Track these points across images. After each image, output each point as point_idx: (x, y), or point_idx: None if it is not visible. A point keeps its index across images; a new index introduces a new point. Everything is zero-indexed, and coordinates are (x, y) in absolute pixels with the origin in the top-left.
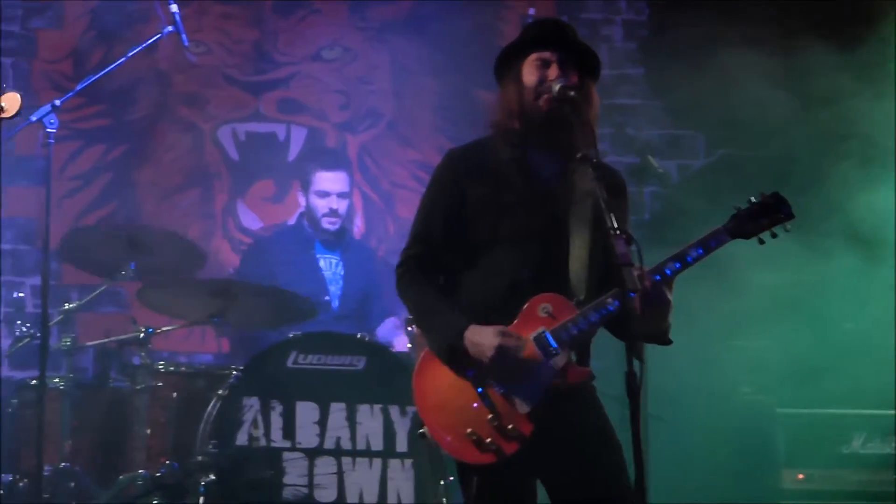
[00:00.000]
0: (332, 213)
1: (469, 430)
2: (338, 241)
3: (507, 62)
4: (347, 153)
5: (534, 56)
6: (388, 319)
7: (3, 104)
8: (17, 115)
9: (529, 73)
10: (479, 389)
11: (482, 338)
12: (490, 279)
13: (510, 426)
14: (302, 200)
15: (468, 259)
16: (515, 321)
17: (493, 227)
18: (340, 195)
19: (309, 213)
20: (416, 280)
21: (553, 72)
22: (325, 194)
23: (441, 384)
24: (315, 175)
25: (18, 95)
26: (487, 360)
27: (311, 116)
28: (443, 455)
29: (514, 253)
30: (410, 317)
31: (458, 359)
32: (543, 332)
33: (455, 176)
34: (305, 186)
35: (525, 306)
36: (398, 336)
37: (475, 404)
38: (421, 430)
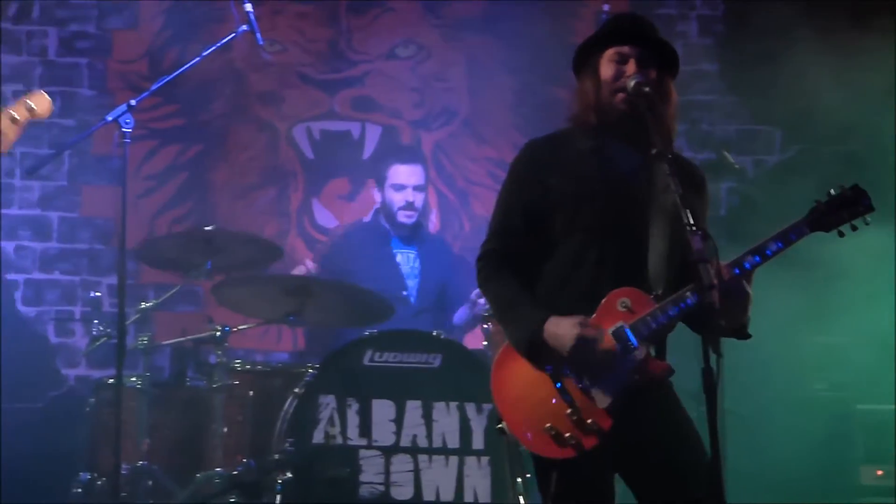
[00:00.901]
0: (409, 205)
1: (548, 425)
2: (414, 235)
3: (586, 56)
4: (422, 150)
5: (612, 51)
6: (463, 307)
7: (32, 104)
8: (48, 115)
9: (607, 68)
10: (558, 384)
11: (562, 328)
12: (569, 272)
13: (589, 420)
14: (377, 196)
15: (547, 252)
16: (594, 315)
17: (571, 220)
18: (416, 188)
19: (385, 208)
20: (496, 274)
21: (630, 67)
22: (401, 187)
23: (520, 379)
24: (390, 169)
25: (47, 95)
26: (567, 351)
27: (386, 114)
28: (520, 452)
29: (593, 246)
30: (486, 313)
31: (536, 352)
32: (622, 326)
33: (534, 168)
34: (381, 181)
35: (604, 300)
36: (470, 315)
37: (554, 399)
38: (499, 426)
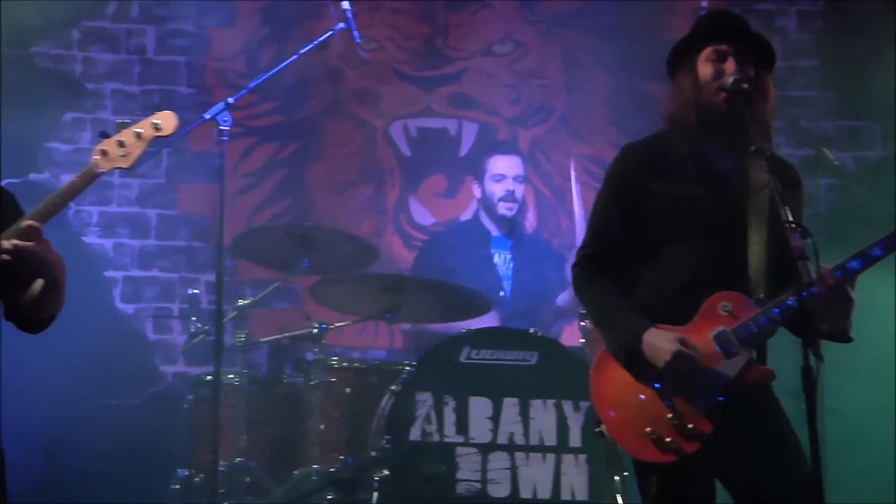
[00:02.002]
0: (510, 196)
1: (648, 429)
2: (511, 233)
3: (681, 56)
4: (519, 147)
5: (709, 49)
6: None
7: (159, 122)
8: (172, 134)
9: (705, 66)
10: (658, 387)
11: (660, 342)
12: (668, 277)
13: (690, 425)
14: (477, 190)
15: (645, 256)
16: (695, 319)
17: (671, 223)
18: (516, 178)
19: (485, 201)
20: (593, 279)
21: (729, 65)
22: (501, 178)
23: (619, 382)
24: (490, 160)
25: (174, 115)
26: (663, 365)
27: (483, 111)
28: (618, 450)
29: (693, 250)
30: (582, 311)
31: (634, 360)
32: (724, 330)
33: (631, 171)
34: (480, 174)
35: (704, 304)
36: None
37: (654, 403)
38: (598, 428)
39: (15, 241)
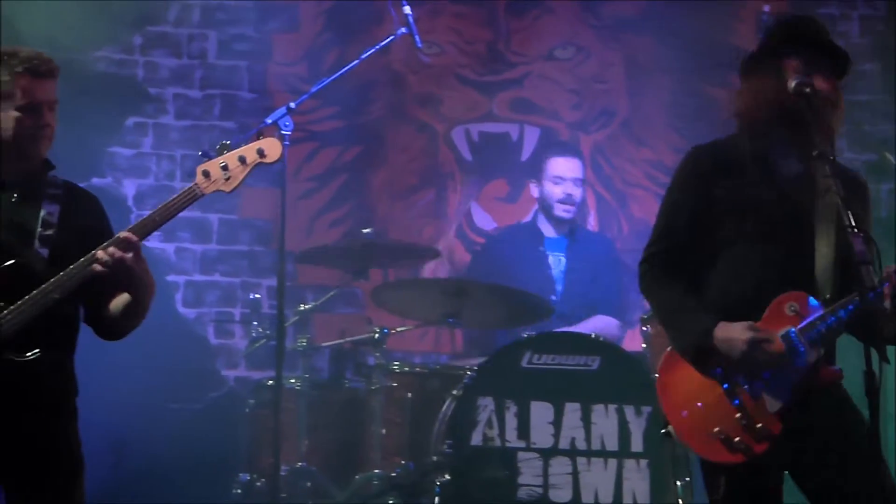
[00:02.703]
0: (568, 198)
1: (717, 429)
2: (567, 234)
3: (756, 60)
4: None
5: (789, 55)
6: (596, 317)
7: (264, 149)
8: (276, 161)
9: (777, 72)
10: (726, 387)
11: (733, 332)
12: (735, 277)
13: (759, 425)
14: (535, 191)
15: (712, 257)
16: (762, 319)
17: (738, 225)
18: (575, 181)
19: (543, 202)
20: (661, 278)
21: (801, 70)
22: (560, 180)
23: (687, 382)
24: (549, 161)
25: (279, 141)
26: (738, 354)
27: (544, 116)
28: (680, 455)
29: (760, 251)
30: (646, 315)
31: (704, 358)
32: (792, 330)
33: (699, 173)
34: (539, 175)
35: (772, 304)
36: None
37: (722, 403)
38: (665, 429)
39: (112, 250)
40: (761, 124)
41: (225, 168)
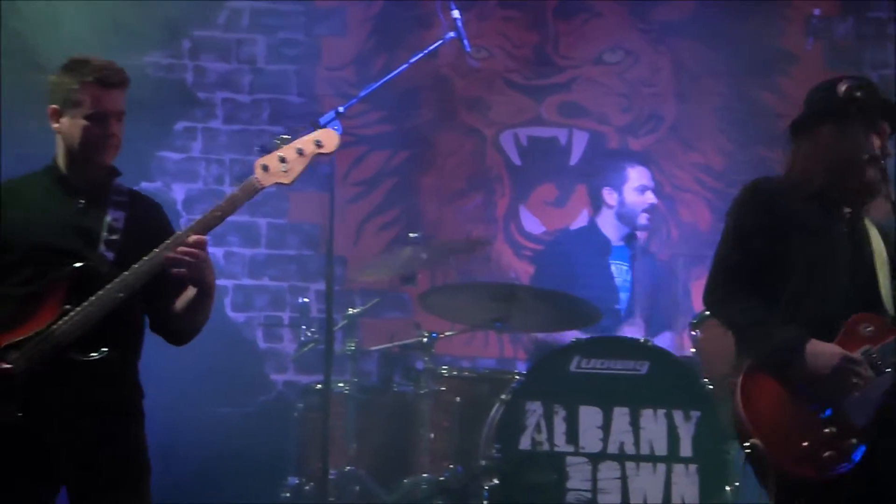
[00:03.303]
0: (651, 207)
1: (804, 444)
2: (629, 244)
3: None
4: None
5: (854, 118)
6: (664, 334)
7: (321, 140)
8: (334, 152)
9: (847, 134)
10: (814, 406)
11: (825, 348)
12: (805, 297)
13: (845, 442)
14: (611, 198)
15: (781, 277)
16: (838, 338)
17: (805, 248)
18: (652, 190)
19: (623, 210)
20: (737, 292)
21: (876, 142)
22: (644, 189)
23: (772, 397)
24: (630, 170)
25: (336, 133)
26: (828, 372)
27: (593, 120)
28: (728, 460)
29: (828, 273)
30: (695, 320)
31: (790, 372)
32: (871, 349)
33: (766, 199)
34: (617, 183)
35: (846, 324)
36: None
37: (810, 419)
38: (749, 442)
39: (184, 248)
40: (822, 181)
41: (283, 160)
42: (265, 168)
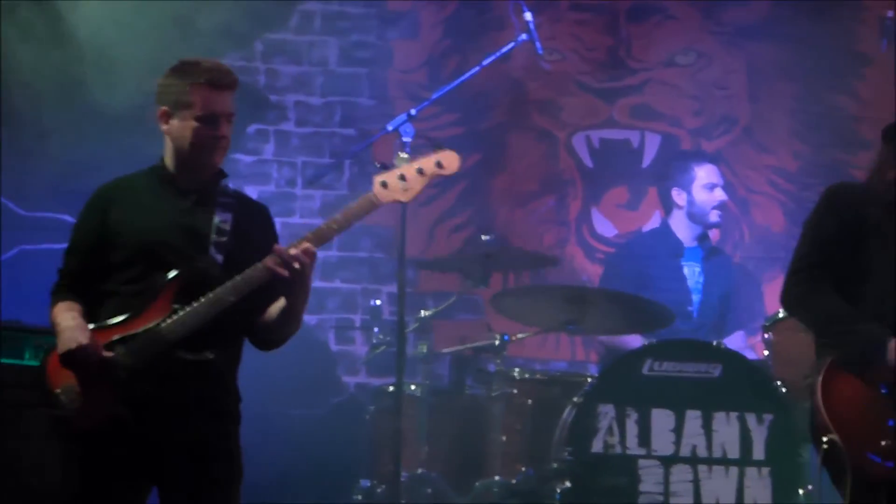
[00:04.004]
0: (721, 204)
1: (883, 443)
2: (702, 245)
3: None
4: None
5: None
6: (738, 333)
7: (442, 161)
8: (454, 173)
9: None
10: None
11: None
12: (881, 298)
13: None
14: (680, 199)
15: (859, 278)
16: None
17: (881, 250)
18: (722, 187)
19: (693, 209)
20: (819, 288)
21: None
22: (713, 186)
23: (852, 394)
24: (699, 168)
25: (457, 155)
26: None
27: (666, 122)
28: (801, 463)
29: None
30: (767, 322)
31: (872, 369)
32: None
33: (843, 206)
34: (685, 183)
35: None
36: (745, 352)
37: (889, 416)
38: (827, 438)
39: (296, 256)
40: None
41: (403, 178)
42: (384, 185)
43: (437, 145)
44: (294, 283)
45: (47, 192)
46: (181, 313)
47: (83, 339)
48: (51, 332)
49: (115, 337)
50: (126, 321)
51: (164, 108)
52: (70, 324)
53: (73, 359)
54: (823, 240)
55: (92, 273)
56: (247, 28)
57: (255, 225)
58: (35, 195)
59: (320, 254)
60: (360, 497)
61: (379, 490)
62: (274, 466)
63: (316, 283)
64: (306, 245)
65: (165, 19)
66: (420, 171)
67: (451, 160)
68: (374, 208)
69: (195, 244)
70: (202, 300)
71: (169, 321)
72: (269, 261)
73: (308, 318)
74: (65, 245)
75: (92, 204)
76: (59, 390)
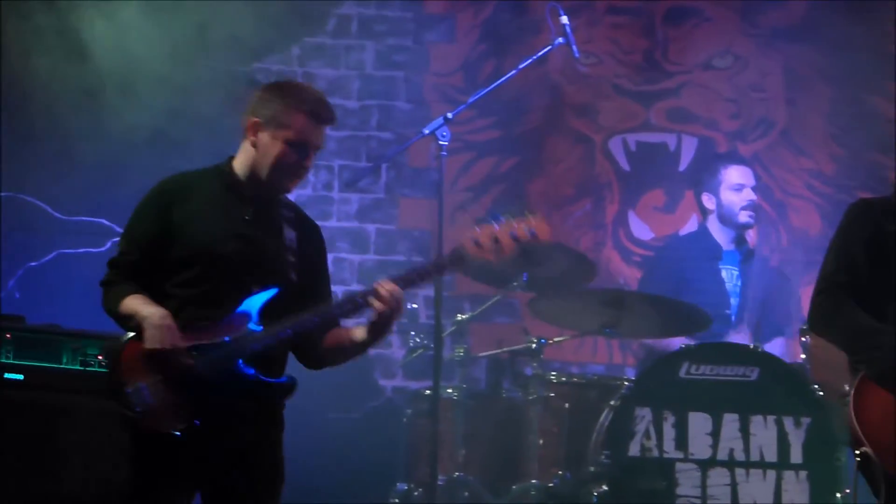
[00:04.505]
0: (750, 204)
1: None
2: (740, 248)
3: None
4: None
5: None
6: (776, 340)
7: (536, 232)
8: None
9: None
10: None
11: None
12: None
13: None
14: (710, 201)
15: (886, 294)
16: None
17: None
18: (753, 189)
19: (722, 211)
20: (846, 305)
21: None
22: (740, 187)
23: (885, 409)
24: (725, 171)
25: (549, 227)
26: None
27: (702, 125)
28: (839, 466)
29: None
30: (804, 326)
31: None
32: None
33: (872, 216)
34: (714, 186)
35: None
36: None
37: None
38: (860, 451)
39: (392, 294)
40: None
41: (497, 241)
42: (477, 244)
43: (523, 207)
44: (383, 323)
45: (84, 196)
46: (262, 331)
47: (177, 339)
48: (88, 335)
49: (195, 343)
50: (205, 329)
51: (257, 119)
52: (163, 320)
53: (162, 357)
54: (848, 258)
55: (151, 267)
56: (284, 32)
57: (313, 244)
58: (72, 199)
59: (357, 258)
60: (396, 500)
61: (416, 493)
62: (311, 470)
63: (353, 286)
64: (395, 287)
65: (201, 24)
66: (514, 238)
67: (543, 231)
68: (464, 266)
69: (268, 262)
70: (289, 324)
71: (248, 337)
72: (371, 298)
73: (345, 322)
74: (102, 249)
75: (154, 197)
76: (130, 389)
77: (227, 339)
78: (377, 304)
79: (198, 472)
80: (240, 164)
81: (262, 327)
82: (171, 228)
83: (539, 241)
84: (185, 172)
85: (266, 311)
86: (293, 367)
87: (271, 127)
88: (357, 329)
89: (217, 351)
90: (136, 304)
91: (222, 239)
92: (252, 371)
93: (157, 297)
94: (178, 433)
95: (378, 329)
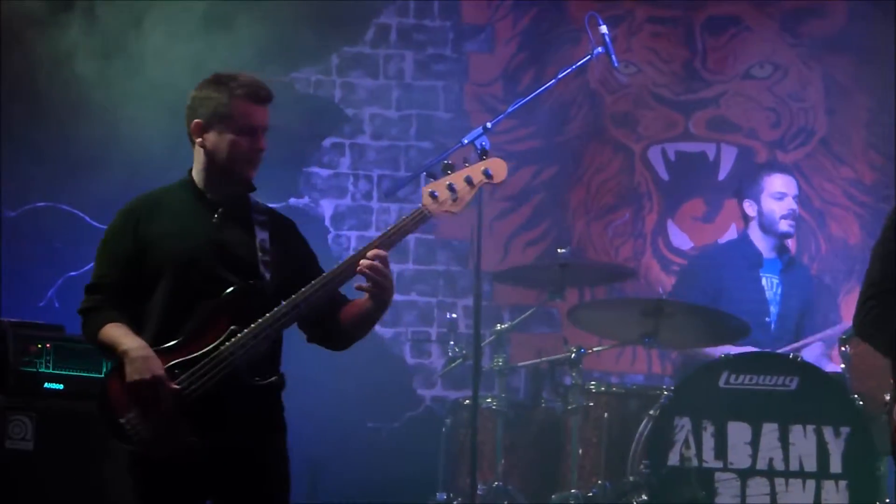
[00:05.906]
0: (791, 213)
1: None
2: (780, 256)
3: None
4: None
5: None
6: (815, 344)
7: (489, 169)
8: (502, 182)
9: None
10: None
11: None
12: None
13: None
14: (751, 209)
15: None
16: None
17: None
18: (795, 198)
19: (763, 219)
20: (892, 314)
21: None
22: (781, 196)
23: None
24: (766, 179)
25: (504, 162)
26: None
27: (742, 135)
28: (879, 476)
29: None
30: (844, 336)
31: None
32: None
33: None
34: (755, 193)
35: None
36: (823, 363)
37: None
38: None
39: (368, 263)
40: None
41: (452, 189)
42: (433, 195)
43: (482, 152)
44: (375, 289)
45: (122, 204)
46: (244, 335)
47: (157, 369)
48: None
49: (174, 361)
50: (181, 344)
51: (199, 120)
52: (140, 352)
53: (146, 389)
54: (893, 263)
55: (133, 287)
56: (323, 42)
57: (290, 242)
58: (110, 208)
59: (396, 267)
60: None
61: (455, 503)
62: (350, 479)
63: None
64: (375, 251)
65: (239, 35)
66: (468, 181)
67: (498, 168)
68: (425, 221)
69: (241, 263)
70: (263, 322)
71: (229, 343)
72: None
73: (384, 332)
74: None
75: (123, 217)
76: (123, 420)
77: (211, 347)
78: (361, 264)
79: (203, 485)
80: (197, 171)
81: (242, 328)
82: (143, 246)
83: (494, 180)
84: (151, 190)
85: (243, 311)
86: (320, 363)
87: (215, 123)
88: (361, 298)
89: (204, 363)
90: (114, 334)
91: (194, 246)
92: (241, 374)
93: (137, 317)
94: (186, 454)
95: (376, 297)
